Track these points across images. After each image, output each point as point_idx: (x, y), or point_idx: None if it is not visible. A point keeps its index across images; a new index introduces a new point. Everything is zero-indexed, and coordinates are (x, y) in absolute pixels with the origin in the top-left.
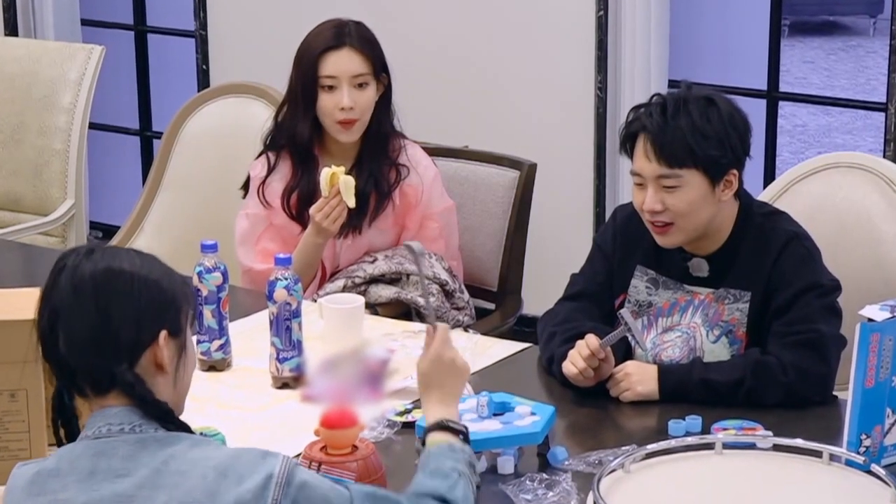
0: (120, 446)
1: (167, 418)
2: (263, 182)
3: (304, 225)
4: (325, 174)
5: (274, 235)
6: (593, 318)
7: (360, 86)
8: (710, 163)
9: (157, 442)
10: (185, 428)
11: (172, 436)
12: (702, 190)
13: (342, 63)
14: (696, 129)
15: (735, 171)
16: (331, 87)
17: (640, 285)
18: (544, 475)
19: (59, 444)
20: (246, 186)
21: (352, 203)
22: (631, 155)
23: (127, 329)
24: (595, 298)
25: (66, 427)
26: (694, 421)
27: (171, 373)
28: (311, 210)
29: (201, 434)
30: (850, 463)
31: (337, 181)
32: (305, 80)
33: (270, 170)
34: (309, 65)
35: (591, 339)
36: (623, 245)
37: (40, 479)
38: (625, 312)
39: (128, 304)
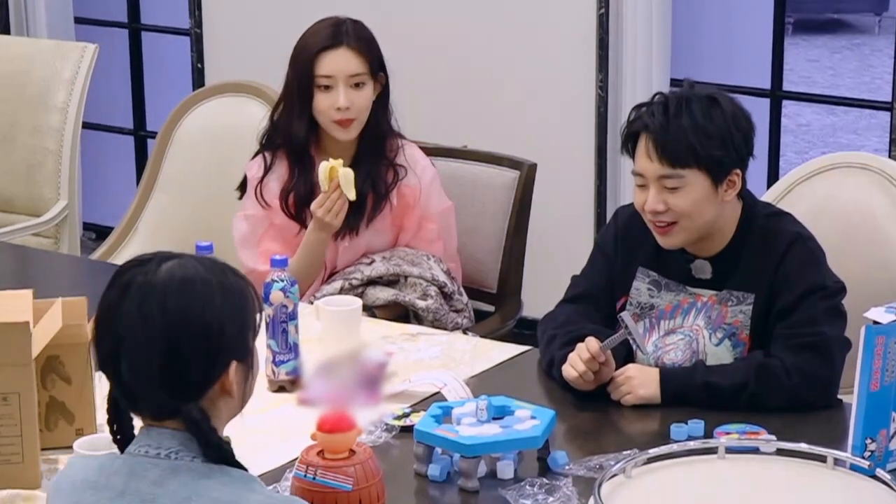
0: (151, 470)
1: (224, 459)
2: (261, 182)
3: (303, 224)
4: (323, 168)
5: (275, 236)
6: (594, 321)
7: (357, 85)
8: (712, 163)
9: (189, 472)
10: (234, 463)
11: (208, 468)
12: (704, 190)
13: (339, 63)
14: (698, 128)
15: (738, 171)
16: (327, 87)
17: (641, 287)
18: (545, 480)
19: (115, 441)
20: (242, 187)
21: (352, 196)
22: (632, 155)
23: (198, 367)
24: (596, 300)
25: (121, 431)
26: (696, 425)
27: (237, 397)
28: (312, 206)
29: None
30: (854, 468)
31: (336, 174)
32: (301, 80)
33: (267, 170)
34: (305, 64)
35: (592, 343)
36: (625, 247)
37: (81, 488)
38: (625, 315)
39: (200, 342)
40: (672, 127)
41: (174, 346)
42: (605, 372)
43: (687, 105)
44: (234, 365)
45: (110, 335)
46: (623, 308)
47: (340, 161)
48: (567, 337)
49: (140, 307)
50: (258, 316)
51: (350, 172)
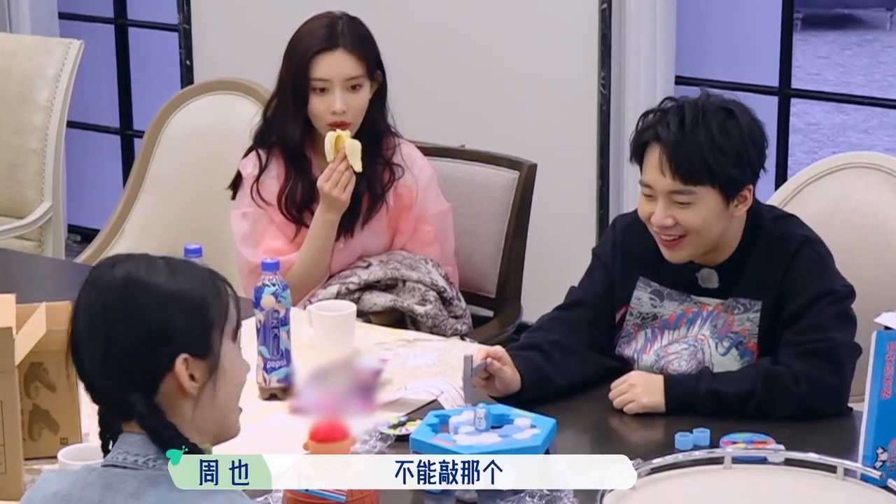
0: (128, 481)
1: (184, 451)
2: (257, 180)
3: (304, 226)
4: (329, 138)
5: (276, 233)
6: (576, 327)
7: (354, 88)
8: (726, 180)
9: (168, 483)
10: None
11: None
12: (715, 206)
13: (335, 66)
14: (714, 144)
15: (750, 186)
16: (323, 90)
17: (643, 297)
18: (545, 491)
19: (104, 448)
20: (234, 185)
21: (358, 167)
22: (641, 164)
23: (137, 356)
24: (588, 308)
25: (111, 437)
26: (702, 434)
27: (194, 395)
28: (319, 181)
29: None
30: (865, 478)
31: (343, 145)
32: (296, 81)
33: (262, 168)
34: (300, 66)
35: (494, 350)
36: (624, 256)
37: (54, 502)
38: (467, 357)
39: (137, 330)
40: (687, 141)
41: (112, 334)
42: (497, 383)
43: (703, 118)
44: (181, 358)
45: (72, 336)
46: (623, 318)
47: (348, 132)
48: (525, 341)
49: (87, 302)
50: (230, 314)
51: (357, 144)
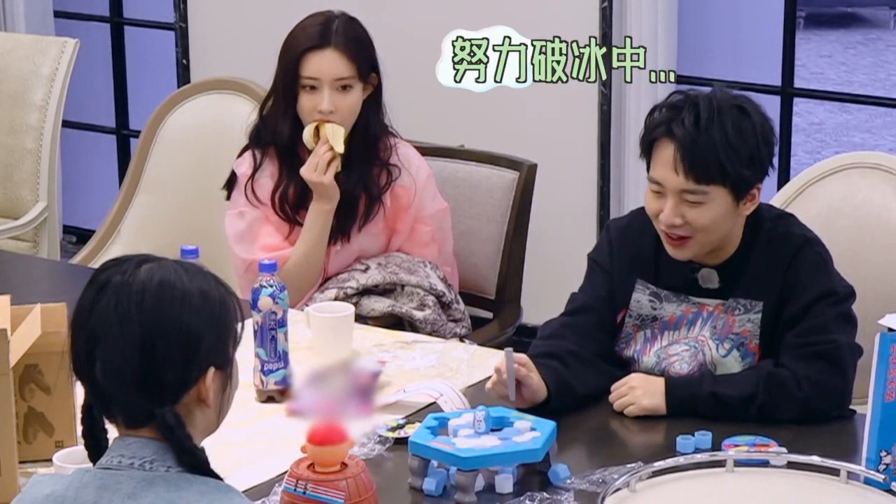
0: (125, 482)
1: (200, 469)
2: (251, 179)
3: (298, 225)
4: (308, 129)
5: (272, 231)
6: (586, 334)
7: (344, 88)
8: (739, 180)
9: (165, 483)
10: (210, 473)
11: (184, 478)
12: (725, 206)
13: (324, 65)
14: (729, 143)
15: (759, 186)
16: (312, 88)
17: (642, 299)
18: (545, 494)
19: (89, 453)
20: (229, 185)
21: (340, 148)
22: (650, 160)
23: (174, 370)
24: (594, 312)
25: (95, 442)
26: (703, 437)
27: (213, 406)
28: (302, 171)
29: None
30: (869, 481)
31: (324, 132)
32: (287, 79)
33: (256, 167)
34: (291, 63)
35: (519, 356)
36: (621, 260)
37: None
38: (507, 352)
39: (177, 344)
40: (702, 140)
41: (150, 346)
42: (525, 393)
43: (718, 116)
44: (211, 371)
45: (85, 335)
46: (623, 321)
47: (333, 124)
48: (543, 349)
49: (117, 307)
50: (239, 326)
51: (340, 129)
